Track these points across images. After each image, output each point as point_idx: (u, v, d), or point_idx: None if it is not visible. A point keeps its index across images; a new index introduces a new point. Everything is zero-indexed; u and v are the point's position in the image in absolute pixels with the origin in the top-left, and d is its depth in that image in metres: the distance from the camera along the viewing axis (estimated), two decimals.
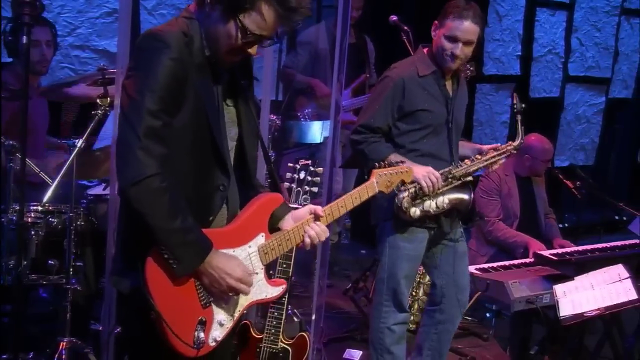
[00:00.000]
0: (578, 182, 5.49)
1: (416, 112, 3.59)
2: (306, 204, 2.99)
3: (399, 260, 3.68)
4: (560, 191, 5.63)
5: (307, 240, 2.51)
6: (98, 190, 4.19)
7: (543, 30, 8.36)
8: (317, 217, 2.55)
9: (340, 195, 2.76)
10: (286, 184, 3.04)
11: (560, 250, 4.96)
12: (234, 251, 2.41)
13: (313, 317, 4.19)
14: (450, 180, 3.61)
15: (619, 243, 5.06)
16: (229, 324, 2.44)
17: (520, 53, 8.21)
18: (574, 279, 3.95)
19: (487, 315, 5.19)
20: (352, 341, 4.76)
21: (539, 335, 4.90)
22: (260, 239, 2.48)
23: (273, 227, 2.54)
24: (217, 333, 2.41)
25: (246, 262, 2.43)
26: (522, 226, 5.41)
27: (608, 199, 5.67)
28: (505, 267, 4.86)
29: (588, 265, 4.17)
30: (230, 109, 2.47)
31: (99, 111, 3.62)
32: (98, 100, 3.63)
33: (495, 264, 4.92)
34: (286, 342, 3.28)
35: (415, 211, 3.52)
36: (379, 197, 3.63)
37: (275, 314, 3.23)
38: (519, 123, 3.83)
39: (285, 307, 3.24)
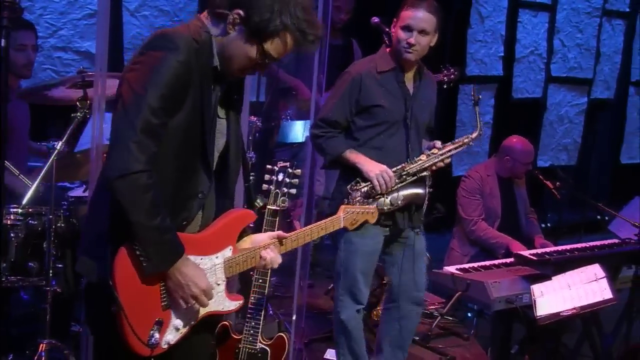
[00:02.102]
0: (558, 183, 5.53)
1: (372, 107, 3.62)
2: (284, 206, 3.04)
3: (353, 255, 3.71)
4: (543, 191, 5.67)
5: (262, 263, 2.58)
6: (79, 192, 4.19)
7: (525, 32, 8.41)
8: (280, 241, 2.62)
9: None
10: (264, 186, 3.08)
11: (539, 250, 5.00)
12: (201, 259, 2.45)
13: (294, 318, 4.21)
14: (404, 177, 3.61)
15: (597, 243, 5.11)
16: (184, 329, 2.46)
17: (502, 54, 8.26)
18: (551, 279, 3.98)
19: (469, 315, 5.22)
20: (334, 341, 4.75)
21: (519, 334, 4.94)
22: (228, 252, 2.53)
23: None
24: (171, 337, 2.44)
25: (211, 272, 2.46)
26: (503, 226, 5.45)
27: (587, 200, 5.72)
28: (485, 267, 4.90)
29: (567, 265, 4.20)
30: (222, 121, 2.51)
31: (79, 114, 3.62)
32: (77, 103, 3.63)
33: (475, 264, 4.96)
34: (265, 343, 3.29)
35: (360, 206, 3.53)
36: (337, 192, 3.68)
37: (254, 315, 3.25)
38: (477, 115, 3.79)
39: (264, 307, 3.25)
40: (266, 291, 3.16)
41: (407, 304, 3.86)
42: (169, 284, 2.36)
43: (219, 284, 2.51)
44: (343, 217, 2.88)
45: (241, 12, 2.29)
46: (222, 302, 2.54)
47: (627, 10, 9.33)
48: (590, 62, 9.07)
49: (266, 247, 2.58)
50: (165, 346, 2.42)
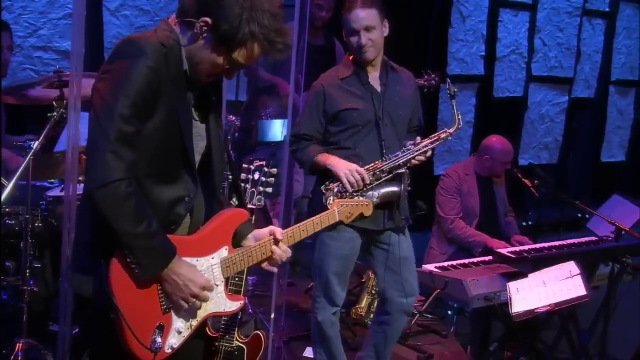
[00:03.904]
0: (536, 181, 5.58)
1: (340, 112, 3.65)
2: (260, 204, 3.05)
3: (327, 257, 3.72)
4: (523, 190, 5.70)
5: (275, 258, 2.59)
6: (57, 191, 4.19)
7: (506, 31, 8.44)
8: (276, 239, 2.61)
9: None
10: (240, 185, 3.09)
11: (517, 248, 5.05)
12: (197, 260, 2.44)
13: (272, 316, 4.22)
14: (379, 174, 3.61)
15: (575, 240, 5.16)
16: (186, 332, 2.45)
17: (483, 53, 8.27)
18: (527, 276, 4.02)
19: (449, 312, 5.24)
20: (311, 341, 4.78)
21: (498, 331, 4.98)
22: (224, 252, 2.52)
23: (236, 243, 2.59)
24: (174, 340, 2.42)
25: (207, 273, 2.46)
26: (482, 225, 5.48)
27: (565, 198, 5.76)
28: (464, 265, 4.93)
29: (544, 262, 4.23)
30: (198, 123, 2.50)
31: (55, 113, 3.62)
32: (54, 103, 3.63)
33: (454, 262, 4.99)
34: (241, 341, 3.30)
35: (354, 198, 3.54)
36: (315, 190, 3.69)
37: None
38: (454, 108, 3.78)
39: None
40: (242, 289, 3.17)
41: (393, 310, 3.84)
42: (166, 287, 2.35)
43: (217, 285, 2.49)
44: (337, 210, 2.88)
45: (209, 20, 2.28)
46: (222, 303, 2.53)
47: (607, 9, 9.38)
48: (571, 61, 9.12)
49: (265, 244, 2.57)
50: (169, 350, 2.40)
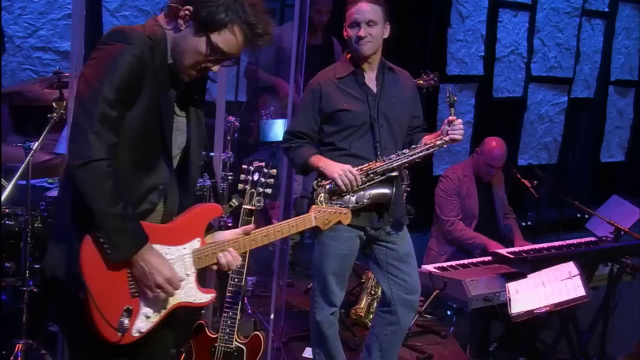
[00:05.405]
0: (536, 182, 5.58)
1: (335, 112, 3.65)
2: (260, 205, 3.06)
3: (325, 257, 3.71)
4: (523, 190, 5.71)
5: (222, 261, 2.58)
6: (57, 192, 4.19)
7: (506, 31, 8.45)
8: (246, 233, 2.63)
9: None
10: (240, 186, 3.10)
11: (517, 249, 5.06)
12: (168, 249, 2.48)
13: (271, 316, 4.23)
14: (372, 176, 3.59)
15: (574, 241, 5.17)
16: (155, 318, 2.48)
17: (483, 53, 8.27)
18: (526, 277, 4.02)
19: (448, 313, 5.24)
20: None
21: (497, 332, 4.99)
22: (196, 244, 2.55)
23: (209, 237, 2.62)
24: (142, 324, 2.45)
25: (179, 262, 2.49)
26: (481, 226, 5.48)
27: (564, 198, 5.76)
28: (463, 266, 4.94)
29: (543, 263, 4.24)
30: (181, 119, 2.56)
31: (55, 114, 3.63)
32: (54, 104, 3.64)
33: (453, 263, 5.00)
34: (241, 342, 3.31)
35: (333, 207, 3.54)
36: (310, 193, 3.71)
37: (230, 313, 3.27)
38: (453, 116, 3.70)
39: (240, 307, 3.27)
40: (242, 289, 3.18)
41: (400, 309, 3.81)
42: (134, 272, 2.40)
43: (188, 275, 2.53)
44: (314, 216, 2.89)
45: (191, 7, 2.37)
46: (193, 294, 2.55)
47: (607, 10, 9.39)
48: (570, 62, 9.12)
49: (230, 245, 2.59)
50: (137, 334, 2.44)
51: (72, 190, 2.34)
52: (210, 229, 2.62)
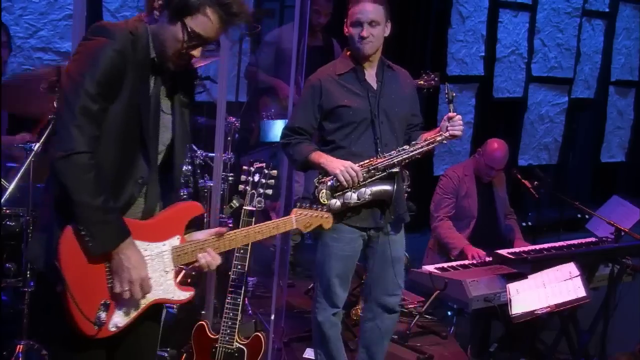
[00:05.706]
0: (536, 182, 5.58)
1: (336, 109, 3.65)
2: (260, 207, 3.06)
3: (328, 258, 3.72)
4: (523, 190, 5.71)
5: (202, 262, 2.59)
6: None
7: (506, 32, 8.45)
8: (220, 235, 2.64)
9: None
10: (240, 187, 3.10)
11: (517, 249, 5.05)
12: (148, 245, 2.49)
13: (272, 317, 4.23)
14: (373, 172, 3.59)
15: (575, 241, 5.17)
16: (133, 313, 2.48)
17: (483, 54, 8.28)
18: (527, 277, 4.02)
19: (449, 313, 5.24)
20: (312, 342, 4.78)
21: (498, 332, 4.98)
22: (175, 241, 2.56)
23: (189, 235, 2.62)
24: (119, 319, 2.45)
25: (158, 259, 2.50)
26: (480, 226, 5.47)
27: (564, 198, 5.76)
28: (464, 266, 4.95)
29: (544, 263, 4.23)
30: (167, 116, 2.58)
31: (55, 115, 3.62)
32: (54, 104, 3.63)
33: (453, 263, 5.00)
34: (242, 342, 3.31)
35: (335, 202, 3.53)
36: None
37: (231, 314, 3.27)
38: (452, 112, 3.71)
39: (240, 307, 3.27)
40: (243, 290, 3.18)
41: (375, 307, 3.85)
42: (112, 264, 2.40)
43: (167, 272, 2.53)
44: (295, 218, 2.90)
45: None
46: (171, 291, 2.56)
47: (607, 10, 9.39)
48: (571, 62, 9.13)
49: (209, 245, 2.60)
50: (114, 329, 2.44)
51: (54, 182, 2.35)
52: (191, 226, 2.62)
